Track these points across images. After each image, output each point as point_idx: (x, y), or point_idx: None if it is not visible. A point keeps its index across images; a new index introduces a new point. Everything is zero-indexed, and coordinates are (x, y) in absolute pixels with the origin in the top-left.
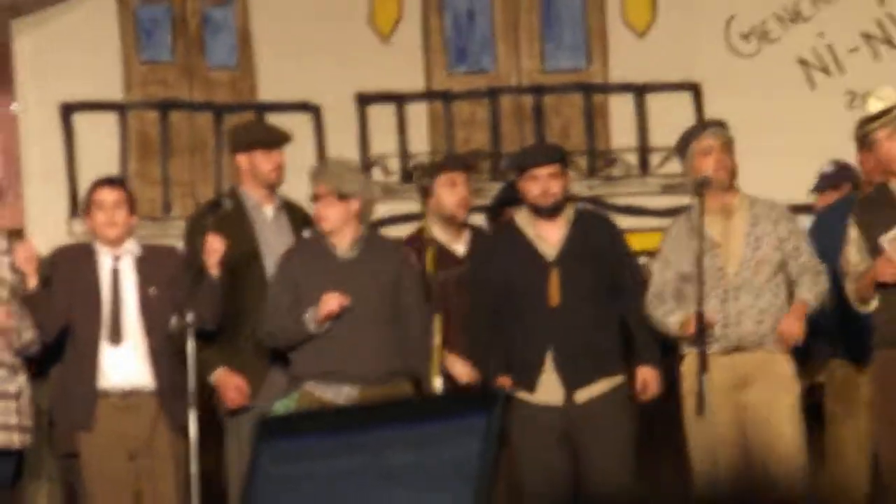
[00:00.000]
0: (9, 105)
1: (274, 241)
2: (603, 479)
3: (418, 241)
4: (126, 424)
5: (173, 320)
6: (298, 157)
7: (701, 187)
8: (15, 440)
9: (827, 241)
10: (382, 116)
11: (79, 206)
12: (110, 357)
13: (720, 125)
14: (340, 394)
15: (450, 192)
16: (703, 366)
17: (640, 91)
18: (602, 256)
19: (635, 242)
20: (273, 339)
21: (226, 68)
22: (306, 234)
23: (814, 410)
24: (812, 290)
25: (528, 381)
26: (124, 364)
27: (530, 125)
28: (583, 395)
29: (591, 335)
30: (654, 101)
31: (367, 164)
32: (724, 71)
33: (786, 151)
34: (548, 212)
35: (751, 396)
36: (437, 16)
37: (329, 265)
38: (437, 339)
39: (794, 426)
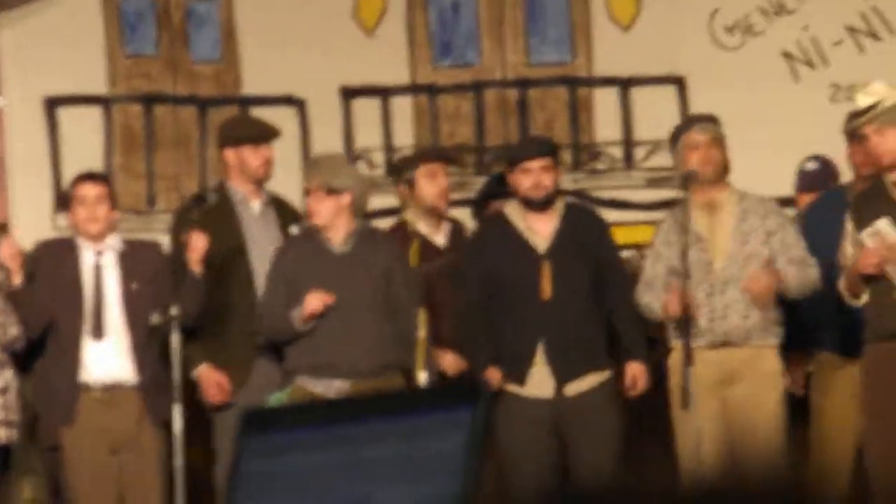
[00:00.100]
0: None
1: (260, 237)
2: (591, 473)
3: (401, 234)
4: (108, 419)
5: (154, 315)
6: (282, 151)
7: (686, 181)
8: (1, 435)
9: (817, 237)
10: (367, 110)
11: (60, 201)
12: (93, 352)
13: (711, 120)
14: (331, 388)
15: (430, 184)
16: (687, 359)
17: (624, 84)
18: (591, 250)
19: (620, 236)
20: (267, 335)
21: (210, 62)
22: (294, 230)
23: (803, 402)
24: (797, 278)
25: (519, 373)
26: (107, 359)
27: (515, 119)
28: (572, 388)
29: (582, 329)
30: (638, 95)
31: (351, 158)
32: (708, 64)
33: (770, 144)
34: (539, 205)
35: (737, 392)
36: (421, 9)
37: (323, 259)
38: (421, 333)
39: (778, 423)
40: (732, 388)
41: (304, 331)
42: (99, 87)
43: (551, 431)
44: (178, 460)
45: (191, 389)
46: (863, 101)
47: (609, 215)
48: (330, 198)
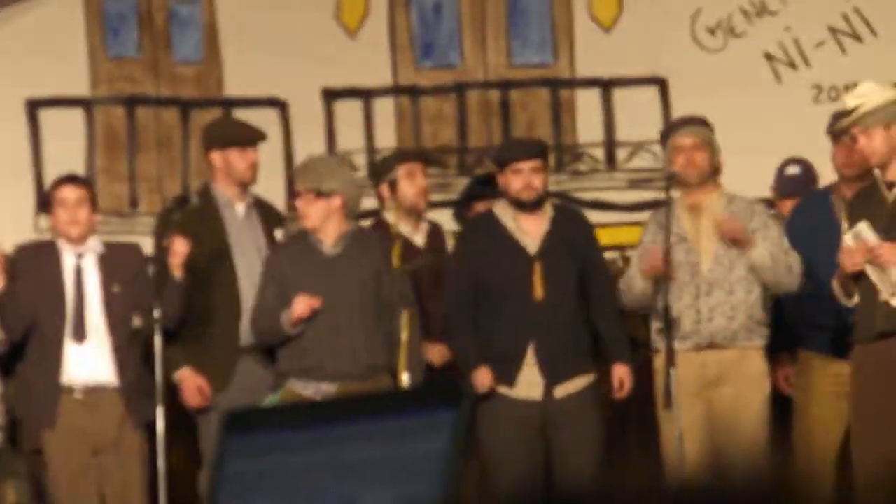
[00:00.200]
0: None
1: (244, 240)
2: (574, 475)
3: (383, 234)
4: (89, 421)
5: (138, 319)
6: (264, 153)
7: (668, 182)
8: None
9: (801, 240)
10: (349, 112)
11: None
12: (74, 354)
13: (701, 123)
14: (319, 391)
15: (409, 184)
16: (669, 360)
17: (606, 86)
18: (579, 252)
19: (602, 237)
20: (260, 337)
21: (192, 64)
22: (279, 234)
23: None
24: (773, 257)
25: (508, 374)
26: (88, 361)
27: (497, 120)
28: (561, 390)
29: (571, 331)
30: (620, 96)
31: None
32: (690, 65)
33: (752, 146)
34: (530, 206)
35: (723, 394)
36: (403, 11)
37: (315, 261)
38: (403, 335)
39: (762, 425)
40: (718, 389)
41: (294, 334)
42: (81, 88)
43: (538, 433)
44: (161, 462)
45: (173, 392)
46: (851, 102)
47: (591, 216)
48: (319, 200)
